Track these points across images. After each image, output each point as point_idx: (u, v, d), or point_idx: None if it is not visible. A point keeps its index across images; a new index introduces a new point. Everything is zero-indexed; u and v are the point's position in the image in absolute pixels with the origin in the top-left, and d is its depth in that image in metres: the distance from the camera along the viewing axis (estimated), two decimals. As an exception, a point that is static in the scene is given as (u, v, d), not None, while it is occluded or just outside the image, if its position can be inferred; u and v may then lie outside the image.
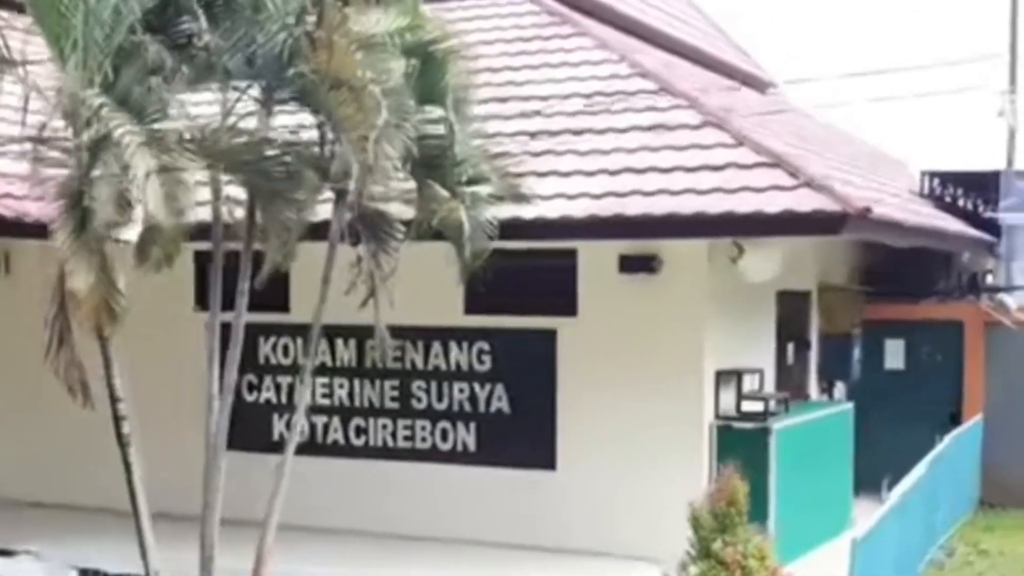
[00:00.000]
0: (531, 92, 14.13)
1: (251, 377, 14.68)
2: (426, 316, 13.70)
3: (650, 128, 12.82)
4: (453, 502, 13.63)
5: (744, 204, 11.25)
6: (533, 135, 13.23)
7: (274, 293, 12.20)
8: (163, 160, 8.30)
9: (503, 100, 14.07)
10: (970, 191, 17.29)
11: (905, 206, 14.83)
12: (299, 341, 14.00)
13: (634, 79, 13.85)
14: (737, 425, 13.04)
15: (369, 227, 10.77)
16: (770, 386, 14.47)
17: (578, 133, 13.08)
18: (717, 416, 13.12)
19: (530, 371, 13.54)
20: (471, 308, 13.68)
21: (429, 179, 10.70)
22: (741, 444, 12.89)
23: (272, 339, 14.56)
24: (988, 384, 16.94)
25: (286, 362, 14.45)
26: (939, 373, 17.16)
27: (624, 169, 12.23)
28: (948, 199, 17.18)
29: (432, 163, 10.69)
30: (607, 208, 11.72)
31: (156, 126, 8.49)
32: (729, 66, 22.85)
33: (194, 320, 12.97)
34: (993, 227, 16.83)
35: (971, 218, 16.89)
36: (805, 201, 11.03)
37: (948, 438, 14.09)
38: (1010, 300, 16.48)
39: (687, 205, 11.47)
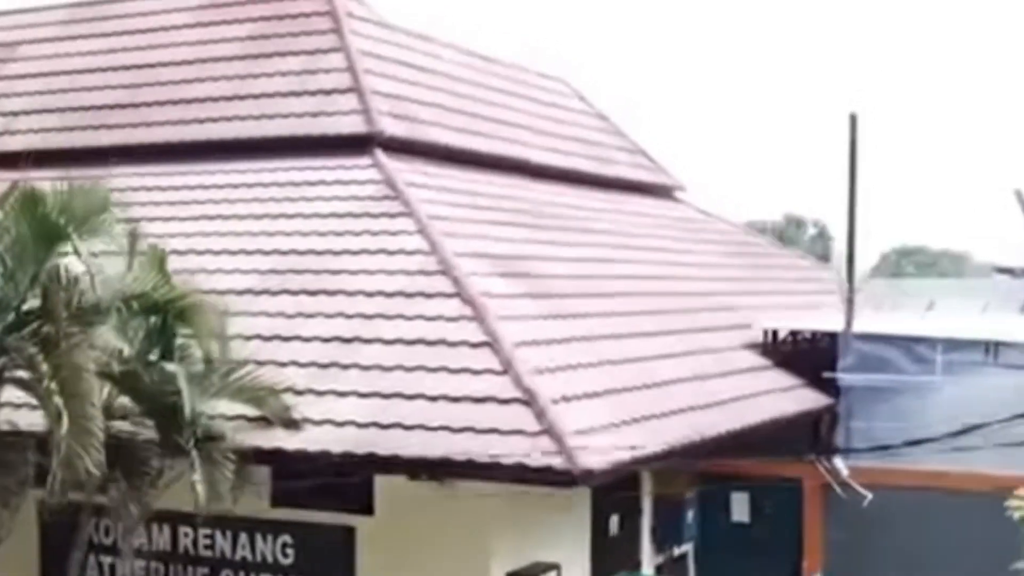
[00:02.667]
0: (341, 285, 14.42)
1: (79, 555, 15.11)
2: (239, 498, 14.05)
3: (433, 343, 13.09)
4: None
5: (489, 449, 11.53)
6: (327, 340, 13.55)
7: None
8: None
9: (313, 294, 14.41)
10: (811, 348, 17.50)
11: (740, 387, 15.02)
12: (119, 523, 14.51)
13: (437, 278, 14.10)
14: (523, 628, 13.33)
15: (120, 467, 11.16)
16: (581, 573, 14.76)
17: (368, 342, 13.38)
18: (510, 618, 13.42)
19: (331, 567, 13.84)
20: (277, 500, 14.02)
21: (167, 431, 11.08)
22: (526, 648, 13.22)
23: (93, 520, 14.93)
24: (827, 541, 17.13)
25: (107, 542, 14.82)
26: (782, 528, 17.36)
27: (395, 394, 12.51)
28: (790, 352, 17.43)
29: (170, 415, 11.05)
30: (366, 442, 12.02)
31: None
32: (625, 181, 23.15)
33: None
34: (833, 387, 17.00)
35: (810, 375, 17.08)
36: (540, 454, 11.30)
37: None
38: (841, 464, 16.63)
39: (438, 445, 11.75)
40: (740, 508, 17.63)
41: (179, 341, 11.09)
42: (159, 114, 18.33)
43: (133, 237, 11.03)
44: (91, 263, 10.40)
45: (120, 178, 17.58)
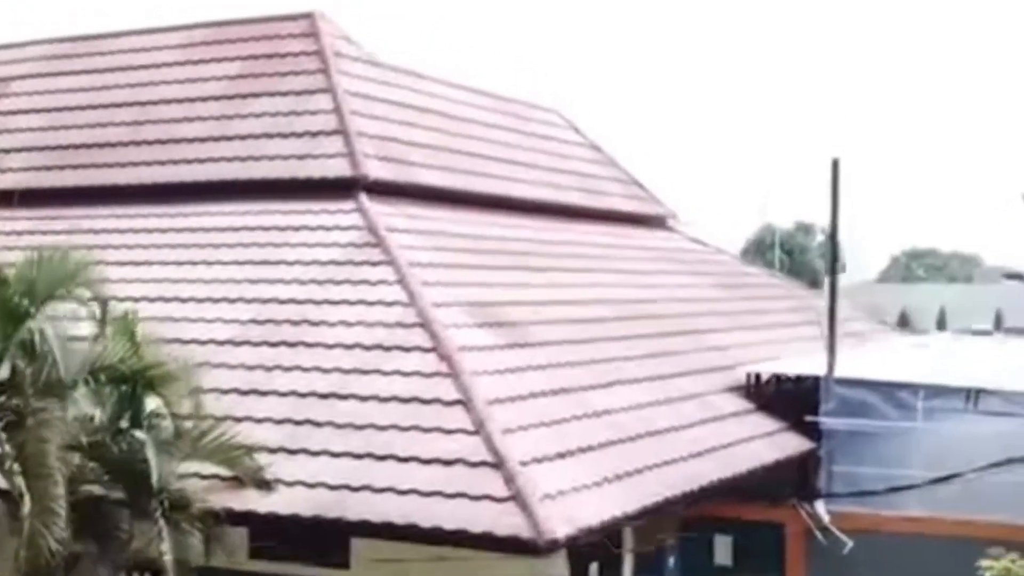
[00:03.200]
0: (320, 337, 14.48)
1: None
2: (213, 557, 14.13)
3: (407, 400, 13.15)
4: None
5: (455, 515, 11.56)
6: (304, 395, 13.62)
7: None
8: None
9: (292, 345, 14.48)
10: (795, 390, 17.52)
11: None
12: None
13: (415, 331, 14.16)
14: None
15: (91, 530, 11.26)
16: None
17: (344, 398, 13.44)
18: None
19: (307, 618, 13.94)
20: (255, 553, 14.07)
21: (137, 496, 11.16)
22: None
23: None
24: (810, 584, 17.18)
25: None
26: (765, 571, 17.39)
27: (367, 454, 12.56)
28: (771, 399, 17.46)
29: (140, 481, 11.13)
30: (336, 505, 12.06)
31: None
32: (618, 213, 23.20)
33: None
34: (815, 430, 17.01)
35: (794, 418, 17.10)
36: (506, 522, 11.33)
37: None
38: (822, 509, 16.65)
39: (405, 510, 11.78)
40: (723, 551, 17.65)
41: (149, 408, 11.16)
42: (144, 154, 18.45)
43: (103, 305, 11.10)
44: (58, 336, 10.48)
45: (107, 219, 17.83)
